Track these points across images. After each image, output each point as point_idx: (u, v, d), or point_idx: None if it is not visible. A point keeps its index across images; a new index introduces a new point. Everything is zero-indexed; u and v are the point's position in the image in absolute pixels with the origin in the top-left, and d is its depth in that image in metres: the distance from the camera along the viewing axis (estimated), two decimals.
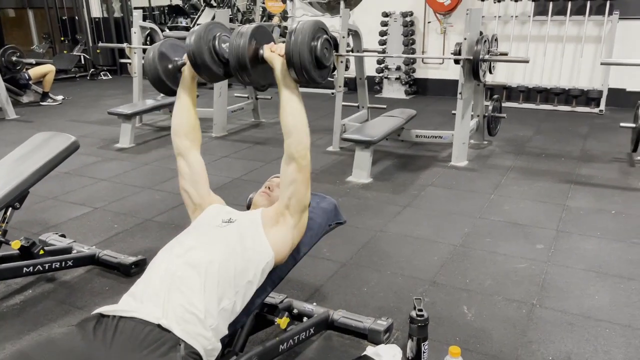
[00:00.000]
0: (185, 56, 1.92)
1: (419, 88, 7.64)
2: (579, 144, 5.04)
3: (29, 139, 2.70)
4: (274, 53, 1.73)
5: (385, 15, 7.35)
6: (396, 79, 7.46)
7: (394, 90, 7.50)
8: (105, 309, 1.47)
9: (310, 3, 8.12)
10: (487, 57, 4.19)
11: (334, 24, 7.86)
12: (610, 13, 6.19)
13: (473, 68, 4.15)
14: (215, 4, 13.95)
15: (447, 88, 7.46)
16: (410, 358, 2.03)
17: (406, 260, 2.87)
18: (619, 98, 6.38)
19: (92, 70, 10.13)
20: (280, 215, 1.75)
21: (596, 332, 2.20)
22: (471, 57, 4.15)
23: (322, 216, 2.04)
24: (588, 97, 6.46)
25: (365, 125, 4.51)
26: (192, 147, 1.95)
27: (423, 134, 4.59)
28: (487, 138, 5.12)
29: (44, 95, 7.58)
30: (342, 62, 4.80)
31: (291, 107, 1.72)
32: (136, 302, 1.47)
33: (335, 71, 4.85)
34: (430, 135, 4.58)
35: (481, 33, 4.35)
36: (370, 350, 2.05)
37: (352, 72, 5.56)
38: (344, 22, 4.79)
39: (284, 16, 8.31)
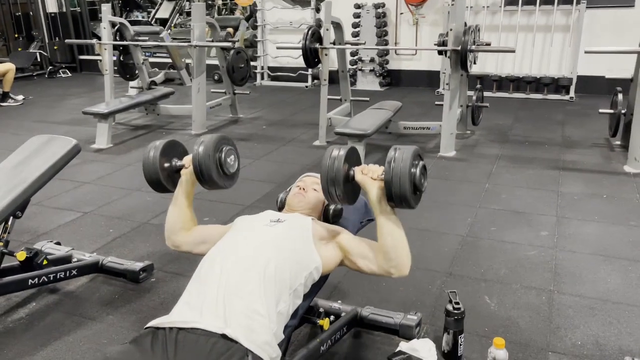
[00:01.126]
0: (185, 160, 1.93)
1: (393, 79, 7.68)
2: (558, 131, 5.17)
3: (25, 144, 2.54)
4: (366, 177, 1.67)
5: (358, 7, 7.32)
6: (370, 70, 7.47)
7: (368, 82, 7.50)
8: (159, 322, 1.39)
9: None
10: (473, 47, 4.22)
11: (304, 16, 7.82)
12: (577, 2, 6.36)
13: (461, 58, 4.18)
14: None
15: (420, 79, 7.55)
16: (446, 351, 2.03)
17: (418, 252, 2.81)
18: (587, 85, 6.58)
19: (51, 67, 9.70)
20: (335, 247, 1.73)
21: (617, 315, 2.26)
22: (459, 48, 4.18)
23: (354, 214, 2.01)
24: (558, 85, 6.64)
25: (354, 118, 4.49)
26: (188, 232, 1.91)
27: (411, 126, 4.60)
28: (469, 127, 5.19)
29: (4, 96, 7.21)
30: (326, 54, 4.75)
31: (389, 230, 1.66)
32: (193, 311, 1.39)
33: (320, 64, 4.80)
34: (418, 127, 4.60)
35: (465, 24, 4.39)
36: (404, 346, 2.03)
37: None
38: (326, 14, 4.73)
39: (254, 8, 8.17)
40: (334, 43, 5.04)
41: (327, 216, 1.92)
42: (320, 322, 1.84)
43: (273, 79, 8.28)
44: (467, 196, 3.61)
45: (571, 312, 2.29)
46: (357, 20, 7.35)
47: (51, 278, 2.42)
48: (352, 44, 5.78)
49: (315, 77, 7.95)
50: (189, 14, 15.10)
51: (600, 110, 4.64)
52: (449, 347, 2.02)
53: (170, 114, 5.83)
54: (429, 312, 2.31)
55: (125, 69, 6.29)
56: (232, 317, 1.35)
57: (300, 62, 7.88)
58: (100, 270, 2.66)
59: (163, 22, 12.59)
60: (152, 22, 12.37)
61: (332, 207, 1.93)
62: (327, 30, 4.71)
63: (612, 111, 4.57)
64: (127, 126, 5.87)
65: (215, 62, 6.11)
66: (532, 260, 2.74)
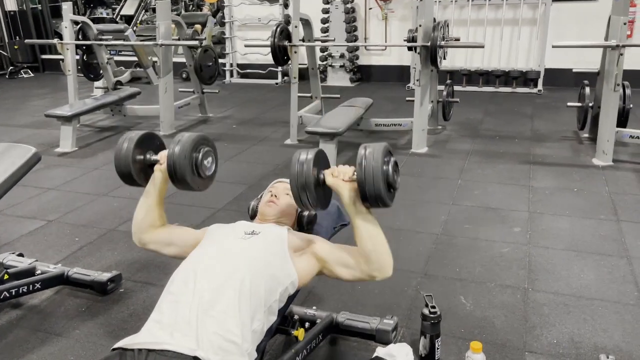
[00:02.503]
0: (160, 155, 1.85)
1: (363, 75, 7.65)
2: (527, 125, 5.22)
3: None
4: (337, 179, 1.61)
5: (327, 2, 7.26)
6: (340, 66, 7.43)
7: (338, 78, 7.46)
8: (127, 342, 1.32)
9: None
10: (443, 43, 4.21)
11: (273, 12, 7.73)
12: None
13: (431, 54, 4.16)
14: None
15: (391, 74, 7.54)
16: (423, 355, 2.01)
17: (392, 253, 2.83)
18: (555, 78, 6.67)
19: (11, 68, 9.38)
20: (311, 257, 1.68)
21: (591, 311, 2.27)
22: (428, 44, 4.17)
23: (327, 219, 1.97)
24: (527, 78, 6.71)
25: (326, 116, 4.44)
26: (156, 230, 1.84)
27: (382, 122, 4.58)
28: (441, 123, 5.20)
29: None
30: (295, 52, 4.69)
31: (367, 232, 1.60)
32: (164, 331, 1.33)
33: (290, 62, 4.73)
34: (390, 123, 4.58)
35: (434, 19, 4.37)
36: (381, 351, 2.00)
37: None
38: (295, 10, 4.66)
39: (221, 5, 8.03)
40: (303, 40, 4.97)
41: (301, 223, 1.87)
42: (295, 332, 1.80)
43: (242, 76, 8.16)
44: (440, 193, 3.60)
45: (546, 310, 2.29)
46: (326, 15, 7.29)
47: (13, 293, 2.31)
48: (322, 40, 5.72)
49: (285, 74, 7.86)
50: (154, 10, 14.81)
51: (569, 104, 4.69)
52: (426, 351, 1.99)
53: (137, 114, 5.69)
54: (405, 315, 2.28)
55: (89, 69, 6.11)
56: (205, 338, 1.30)
57: (270, 59, 7.72)
58: (65, 282, 2.56)
59: (128, 19, 12.30)
60: (117, 19, 12.08)
61: (305, 213, 1.88)
62: (296, 27, 4.64)
63: (579, 104, 4.63)
64: (93, 128, 5.70)
65: (183, 59, 5.98)
66: (506, 258, 2.74)
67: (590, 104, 4.49)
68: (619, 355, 1.98)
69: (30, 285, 2.39)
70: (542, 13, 6.52)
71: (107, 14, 13.17)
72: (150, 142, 1.92)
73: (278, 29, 4.60)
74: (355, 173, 1.59)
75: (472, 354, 1.80)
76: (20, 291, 2.35)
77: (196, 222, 3.14)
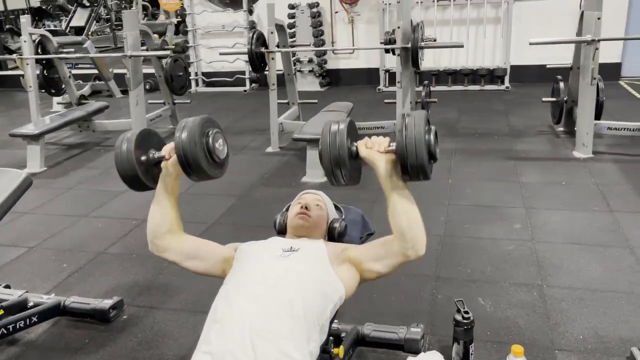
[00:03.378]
0: (165, 150, 1.69)
1: (332, 79, 7.62)
2: (503, 121, 5.30)
3: None
4: (372, 151, 1.50)
5: (292, 7, 7.20)
6: (309, 71, 7.37)
7: (308, 83, 7.40)
8: None
9: None
10: (422, 44, 4.22)
11: (237, 19, 7.60)
12: None
13: (412, 56, 4.16)
14: (87, 4, 12.89)
15: (360, 77, 7.54)
16: None
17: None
18: (519, 74, 6.82)
19: None
20: (349, 265, 1.60)
21: (607, 304, 2.29)
22: (409, 46, 4.16)
23: (354, 229, 1.90)
24: (494, 75, 6.83)
25: (310, 122, 4.37)
26: (175, 237, 1.71)
27: (365, 126, 4.54)
28: None
29: None
30: (273, 58, 4.60)
31: (403, 208, 1.49)
32: None
33: (267, 68, 4.64)
34: (372, 126, 4.54)
35: (412, 21, 4.37)
36: None
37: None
38: (270, 16, 4.58)
39: (182, 13, 7.84)
40: (278, 46, 4.88)
41: (332, 235, 1.79)
42: (335, 350, 1.72)
43: (208, 84, 7.99)
44: (434, 194, 3.59)
45: (565, 306, 2.30)
46: (292, 20, 7.22)
47: (10, 330, 2.15)
48: (297, 45, 5.65)
49: (253, 80, 7.75)
50: (107, 20, 14.40)
51: (544, 99, 4.79)
52: (459, 358, 1.95)
53: (107, 129, 5.45)
54: (427, 321, 2.24)
55: (50, 84, 5.84)
56: None
57: (236, 66, 7.70)
58: (62, 313, 2.40)
59: (78, 30, 11.90)
60: (67, 31, 11.67)
61: (336, 225, 1.80)
62: (272, 33, 4.56)
63: (554, 99, 4.73)
64: (59, 146, 5.43)
65: (146, 70, 5.77)
66: (513, 255, 2.74)
67: (565, 99, 4.60)
68: None
69: (27, 320, 2.23)
70: (505, 11, 6.66)
71: (55, 26, 12.70)
72: (150, 139, 1.76)
73: (254, 36, 4.51)
74: (393, 144, 1.49)
75: (514, 357, 1.77)
76: (18, 326, 2.19)
77: None
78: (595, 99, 4.26)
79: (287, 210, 1.90)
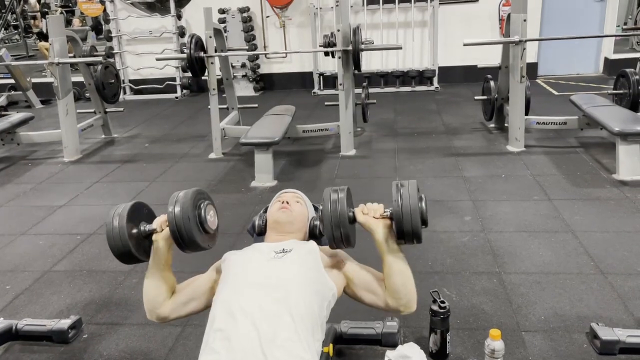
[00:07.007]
0: (157, 223, 1.67)
1: (266, 83, 7.59)
2: (437, 120, 5.51)
3: None
4: (368, 217, 1.61)
5: (222, 12, 7.11)
6: (243, 76, 7.31)
7: (242, 88, 7.32)
8: None
9: (133, 3, 7.51)
10: (362, 47, 4.31)
11: (165, 24, 7.40)
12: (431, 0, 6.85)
13: (354, 58, 4.23)
14: None
15: (293, 81, 7.57)
16: (434, 352, 2.03)
17: (361, 256, 2.83)
18: (446, 75, 7.12)
19: None
20: (340, 273, 1.66)
21: (562, 285, 2.44)
22: (349, 48, 4.24)
23: None
24: (423, 77, 7.09)
25: (255, 127, 4.32)
26: (172, 299, 1.69)
27: (310, 128, 4.57)
28: (360, 125, 5.31)
29: None
30: (212, 63, 4.52)
31: (399, 268, 1.61)
32: None
33: (207, 72, 4.55)
34: (317, 129, 4.58)
35: (349, 25, 4.45)
36: (392, 354, 1.99)
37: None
38: (207, 21, 4.50)
39: (106, 18, 7.52)
40: (215, 50, 4.81)
41: (314, 233, 1.81)
42: (325, 349, 1.71)
43: (137, 92, 7.72)
44: (384, 192, 3.60)
45: (524, 290, 2.43)
46: (222, 25, 7.12)
47: None
48: (233, 50, 5.58)
49: (185, 86, 7.57)
50: (15, 27, 13.55)
51: (476, 97, 5.04)
52: (437, 347, 2.02)
53: (33, 141, 5.12)
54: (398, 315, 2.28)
55: None
56: None
57: (166, 73, 7.48)
58: (15, 337, 2.23)
59: None
60: None
61: (317, 223, 1.83)
62: (211, 37, 4.48)
63: (485, 97, 4.98)
64: None
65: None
66: (469, 246, 2.86)
67: (495, 97, 4.85)
68: (602, 321, 2.14)
69: None
70: (431, 15, 6.93)
71: None
72: (140, 212, 1.73)
73: (193, 40, 4.41)
74: (388, 211, 1.62)
75: (492, 341, 1.85)
76: None
77: None
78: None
79: (265, 212, 1.88)
